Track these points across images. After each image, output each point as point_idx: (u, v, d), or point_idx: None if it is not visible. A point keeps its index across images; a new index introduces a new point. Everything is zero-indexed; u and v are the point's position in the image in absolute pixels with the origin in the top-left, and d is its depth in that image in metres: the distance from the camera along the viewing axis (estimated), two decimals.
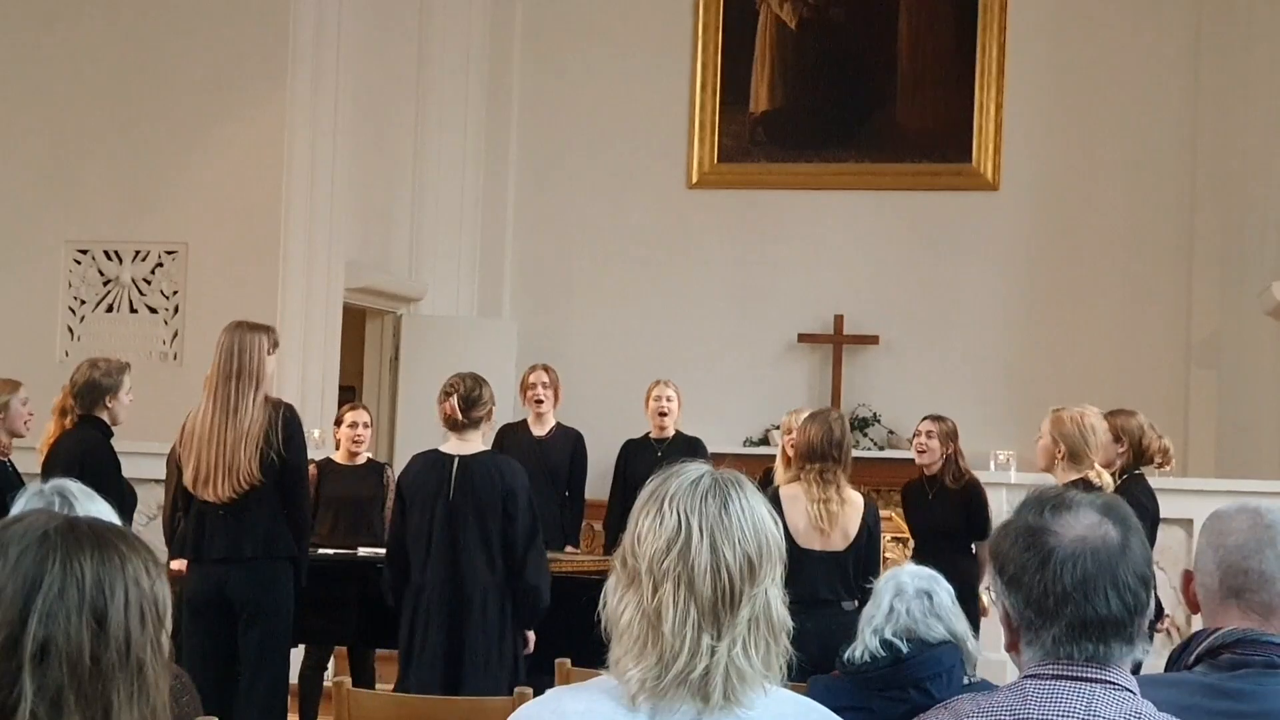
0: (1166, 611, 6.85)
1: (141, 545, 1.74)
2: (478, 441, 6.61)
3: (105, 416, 6.92)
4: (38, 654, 1.62)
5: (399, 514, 6.62)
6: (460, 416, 6.52)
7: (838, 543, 6.21)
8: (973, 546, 7.87)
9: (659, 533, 2.19)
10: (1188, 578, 2.85)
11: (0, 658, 1.61)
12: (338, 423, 8.66)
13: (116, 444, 7.03)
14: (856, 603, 6.03)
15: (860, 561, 6.23)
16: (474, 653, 6.43)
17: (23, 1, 10.18)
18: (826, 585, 6.09)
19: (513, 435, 8.81)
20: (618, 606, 2.21)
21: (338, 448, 8.60)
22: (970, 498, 8.00)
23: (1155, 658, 3.48)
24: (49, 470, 6.45)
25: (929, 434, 8.12)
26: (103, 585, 1.66)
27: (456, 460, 6.52)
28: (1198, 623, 2.87)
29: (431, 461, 6.59)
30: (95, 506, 3.19)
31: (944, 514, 7.97)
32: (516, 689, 4.65)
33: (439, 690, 6.21)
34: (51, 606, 1.63)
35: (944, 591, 4.18)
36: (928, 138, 12.68)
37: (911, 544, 8.42)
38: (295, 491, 6.56)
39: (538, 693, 2.63)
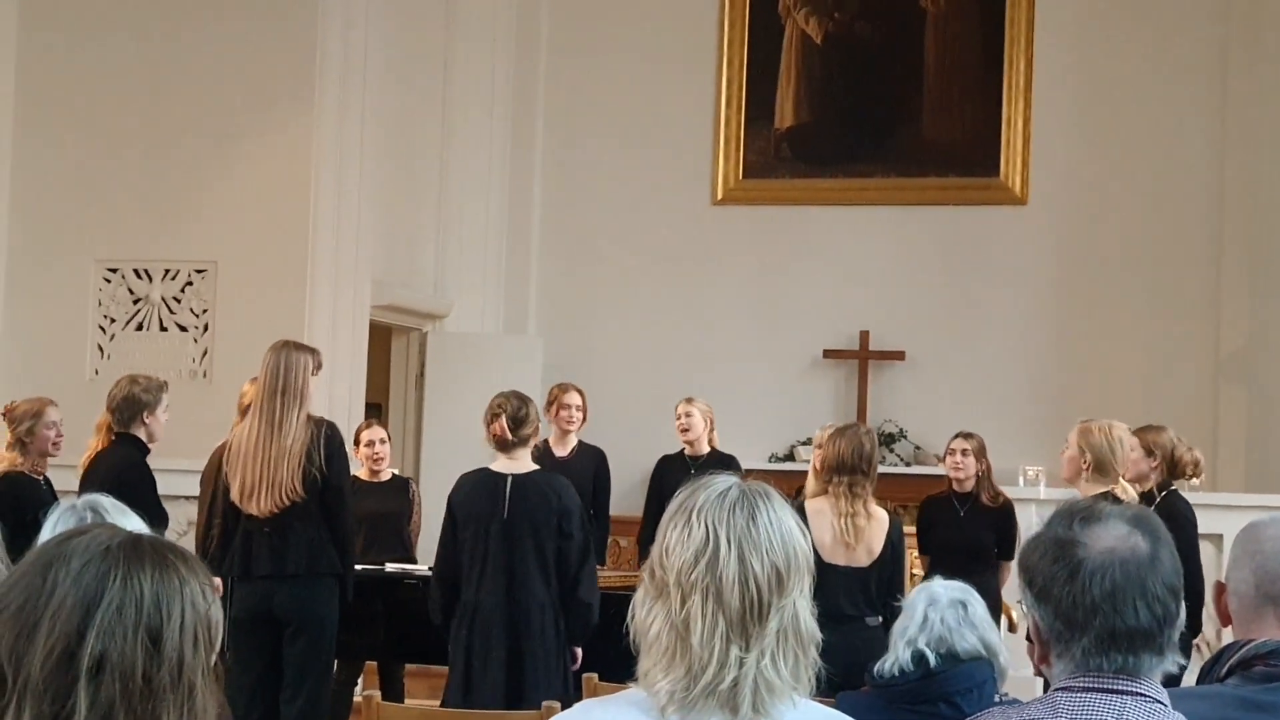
0: (1202, 629, 6.81)
1: (200, 566, 1.74)
2: (527, 460, 6.65)
3: (142, 433, 6.96)
4: (93, 668, 1.62)
5: (450, 532, 6.60)
6: (510, 436, 6.57)
7: (862, 558, 6.19)
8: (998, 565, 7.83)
9: (687, 544, 2.20)
10: (1220, 589, 2.84)
11: (56, 670, 1.62)
12: (355, 442, 8.71)
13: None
14: (881, 619, 6.02)
15: (884, 578, 6.21)
16: (534, 669, 6.47)
17: (52, 21, 10.24)
18: (849, 601, 6.07)
19: (536, 455, 8.81)
20: (646, 618, 2.21)
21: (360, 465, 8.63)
22: (1006, 517, 7.96)
23: (1190, 674, 3.45)
24: (85, 487, 6.49)
25: (964, 452, 8.08)
26: (160, 605, 1.67)
27: (510, 479, 6.54)
28: (1228, 636, 2.85)
29: (483, 480, 6.60)
30: (127, 521, 3.19)
31: (977, 532, 7.92)
32: (544, 703, 4.66)
33: (503, 708, 6.23)
34: (110, 623, 1.64)
35: (978, 603, 4.17)
36: (954, 152, 12.66)
37: (919, 559, 8.31)
38: (337, 508, 6.65)
39: (565, 707, 2.63)
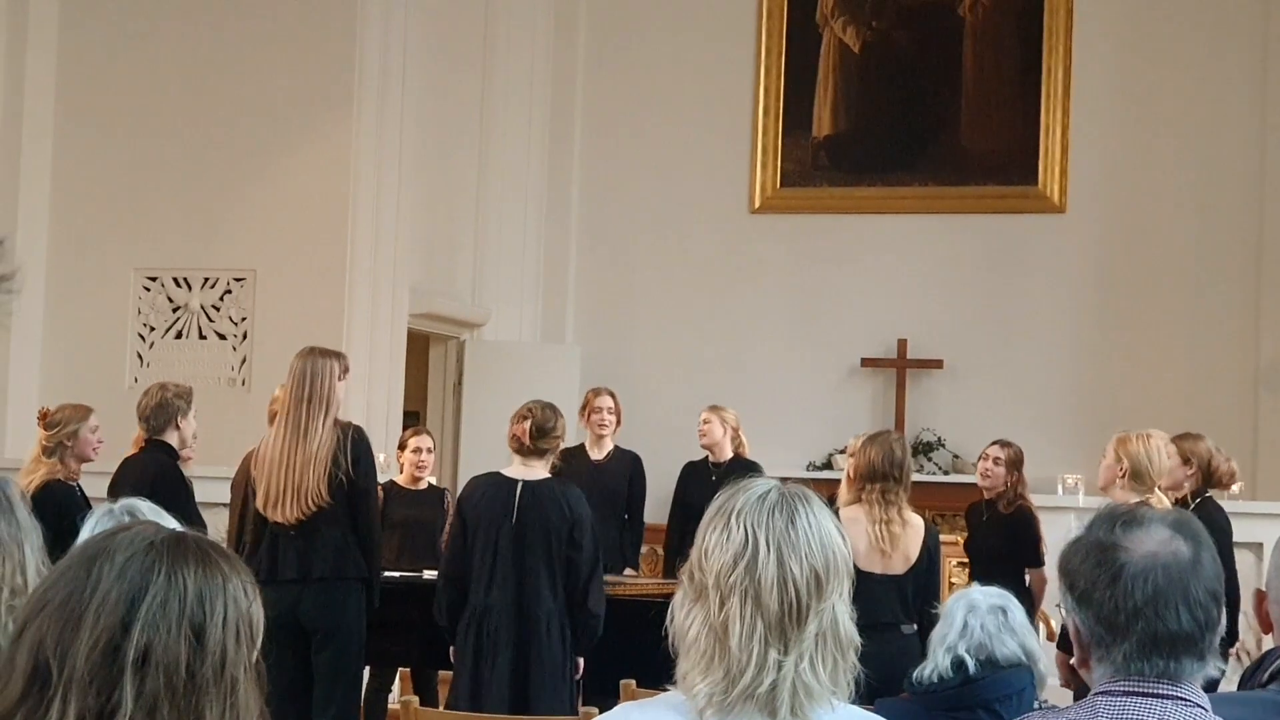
0: (1239, 638, 6.79)
1: (241, 565, 1.76)
2: (541, 468, 6.64)
3: (174, 440, 6.97)
4: (138, 661, 1.63)
5: (459, 536, 6.63)
6: (529, 442, 6.56)
7: (898, 566, 6.17)
8: (1026, 576, 7.79)
9: (726, 547, 2.20)
10: (1260, 597, 2.82)
11: (101, 662, 1.63)
12: (401, 447, 8.73)
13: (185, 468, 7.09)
14: (916, 626, 6.00)
15: (920, 585, 6.18)
16: (540, 675, 6.46)
17: (92, 31, 10.31)
18: (886, 608, 6.04)
19: (571, 459, 8.81)
20: (685, 621, 2.21)
21: (401, 471, 8.65)
22: (1018, 524, 7.92)
23: (1227, 683, 3.43)
24: (117, 491, 6.47)
25: (995, 460, 8.06)
26: (204, 600, 1.68)
27: (520, 485, 6.55)
28: (1268, 644, 2.83)
29: (495, 485, 6.61)
30: (165, 524, 3.20)
31: (993, 538, 7.92)
32: (582, 709, 4.66)
33: (509, 712, 6.24)
34: (154, 616, 1.65)
35: (1017, 609, 4.16)
36: (993, 160, 12.62)
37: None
38: (364, 513, 6.62)
39: (603, 712, 2.63)
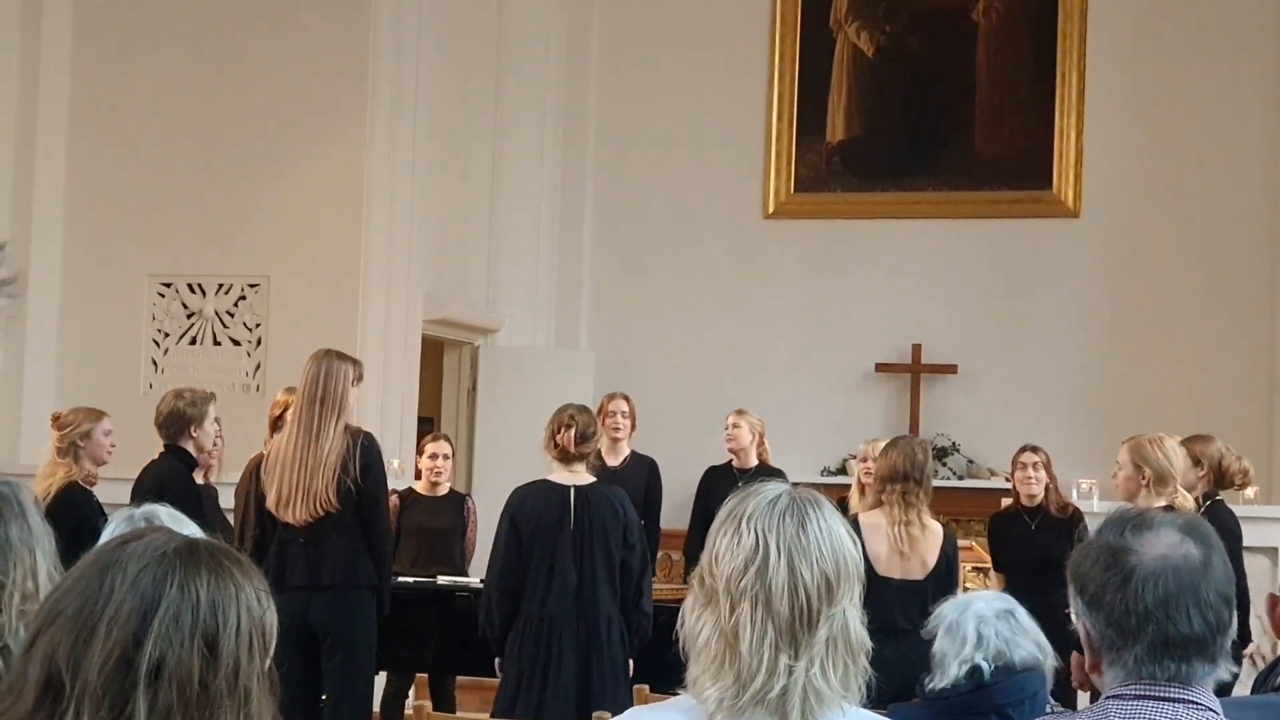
0: (1252, 640, 6.77)
1: (254, 571, 1.75)
2: (585, 473, 6.65)
3: (190, 447, 6.99)
4: (151, 674, 1.63)
5: (512, 546, 6.57)
6: (574, 449, 6.57)
7: (916, 571, 6.17)
8: None
9: (736, 551, 2.19)
10: (1273, 601, 2.82)
11: (114, 675, 1.63)
12: (419, 452, 8.74)
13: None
14: None
15: (939, 591, 6.18)
16: (603, 680, 6.48)
17: (105, 37, 10.34)
18: (904, 614, 6.04)
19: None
20: (695, 625, 2.21)
21: (418, 478, 8.66)
22: (1076, 525, 7.90)
23: (1240, 686, 3.43)
24: (133, 497, 6.50)
25: (1035, 465, 8.02)
26: (216, 611, 1.68)
27: (573, 491, 6.56)
28: None
29: (546, 492, 6.60)
30: (184, 530, 3.21)
31: (1051, 543, 7.85)
32: (595, 713, 4.66)
33: (574, 718, 6.25)
34: (168, 629, 1.64)
35: (1022, 610, 4.15)
36: (1007, 165, 12.61)
37: (995, 575, 8.25)
38: (373, 520, 6.62)
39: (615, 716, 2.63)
